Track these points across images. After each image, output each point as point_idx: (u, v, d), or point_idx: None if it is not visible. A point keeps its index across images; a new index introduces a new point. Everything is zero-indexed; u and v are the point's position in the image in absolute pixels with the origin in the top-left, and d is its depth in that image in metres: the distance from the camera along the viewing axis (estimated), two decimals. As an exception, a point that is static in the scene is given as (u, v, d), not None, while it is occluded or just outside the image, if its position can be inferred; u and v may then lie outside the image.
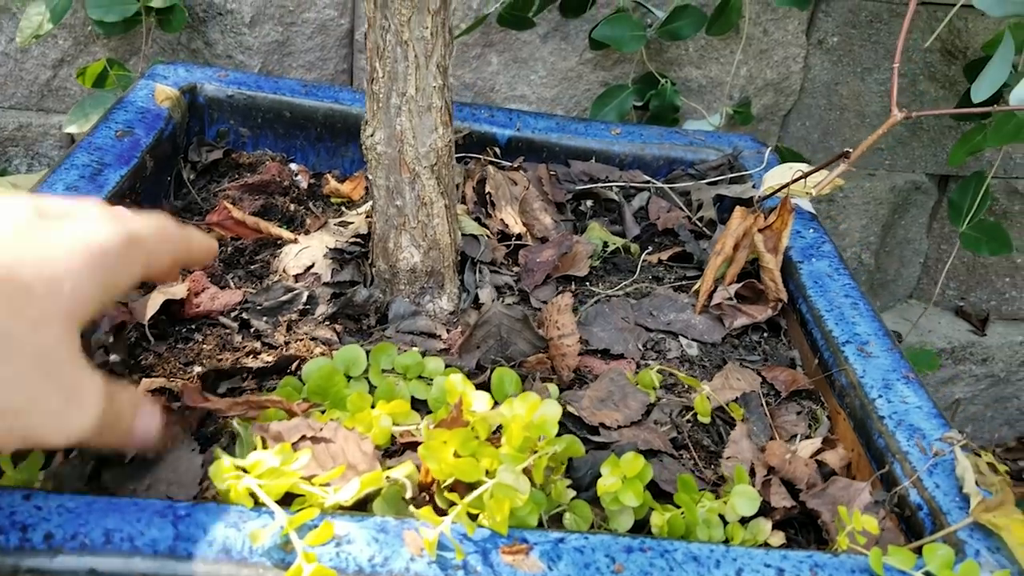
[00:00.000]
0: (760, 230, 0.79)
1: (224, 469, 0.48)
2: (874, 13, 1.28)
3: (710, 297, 0.79)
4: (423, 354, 0.69)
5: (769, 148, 0.97)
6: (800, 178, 0.76)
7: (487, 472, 0.49)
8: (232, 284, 0.78)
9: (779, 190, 0.78)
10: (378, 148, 0.72)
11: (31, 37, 1.07)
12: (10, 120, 1.24)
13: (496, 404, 0.61)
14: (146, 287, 0.75)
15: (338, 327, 0.75)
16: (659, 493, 0.59)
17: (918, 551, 0.51)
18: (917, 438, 0.59)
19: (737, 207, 0.81)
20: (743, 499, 0.57)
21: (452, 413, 0.52)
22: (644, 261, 0.89)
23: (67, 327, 0.42)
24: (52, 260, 0.41)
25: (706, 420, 0.68)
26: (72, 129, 1.15)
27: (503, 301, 0.81)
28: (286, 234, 0.82)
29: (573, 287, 0.84)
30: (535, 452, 0.51)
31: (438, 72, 0.70)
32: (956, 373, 1.57)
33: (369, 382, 0.60)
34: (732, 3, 1.16)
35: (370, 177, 0.74)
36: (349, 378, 0.60)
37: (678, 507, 0.56)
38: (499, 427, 0.52)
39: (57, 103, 1.25)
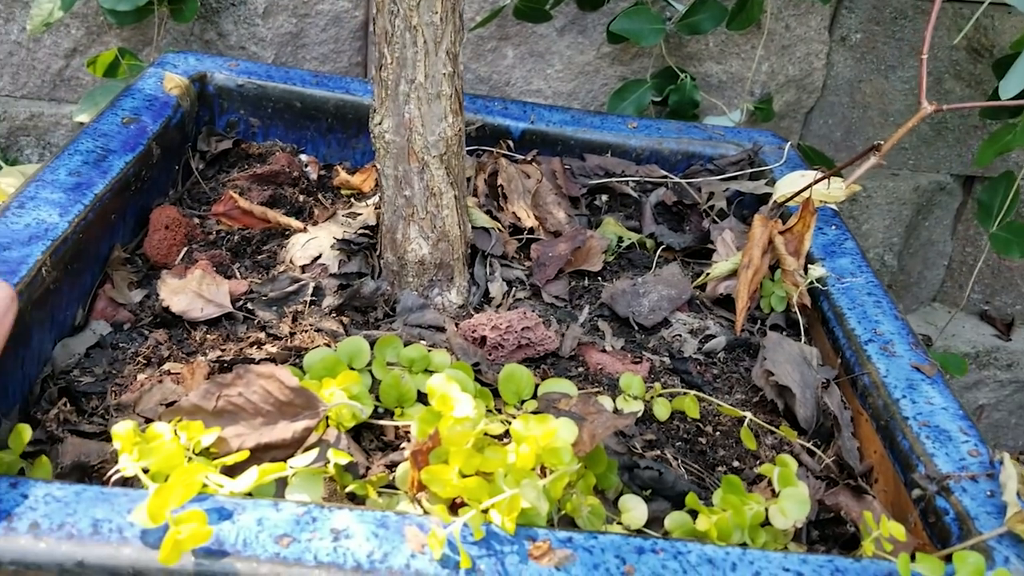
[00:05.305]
0: (780, 232, 0.76)
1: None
2: (898, 9, 1.25)
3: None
4: (431, 347, 0.67)
5: (789, 144, 0.95)
6: (822, 179, 0.74)
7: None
8: (238, 274, 0.76)
9: (793, 196, 0.75)
10: (386, 136, 0.70)
11: (41, 25, 1.06)
12: (22, 109, 1.23)
13: (498, 408, 0.59)
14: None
15: (344, 319, 0.73)
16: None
17: (947, 558, 0.48)
18: (943, 440, 0.56)
19: (756, 215, 0.79)
20: (792, 502, 0.54)
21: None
22: (660, 256, 0.86)
23: None
24: None
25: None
26: (82, 118, 1.13)
27: (514, 295, 0.79)
28: (294, 223, 0.80)
29: (586, 282, 0.82)
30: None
31: (448, 59, 0.68)
32: (981, 378, 1.54)
33: (372, 375, 0.58)
34: (754, -3, 1.14)
35: (378, 166, 0.72)
36: (352, 370, 0.58)
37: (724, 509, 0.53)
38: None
39: (69, 93, 1.23)
